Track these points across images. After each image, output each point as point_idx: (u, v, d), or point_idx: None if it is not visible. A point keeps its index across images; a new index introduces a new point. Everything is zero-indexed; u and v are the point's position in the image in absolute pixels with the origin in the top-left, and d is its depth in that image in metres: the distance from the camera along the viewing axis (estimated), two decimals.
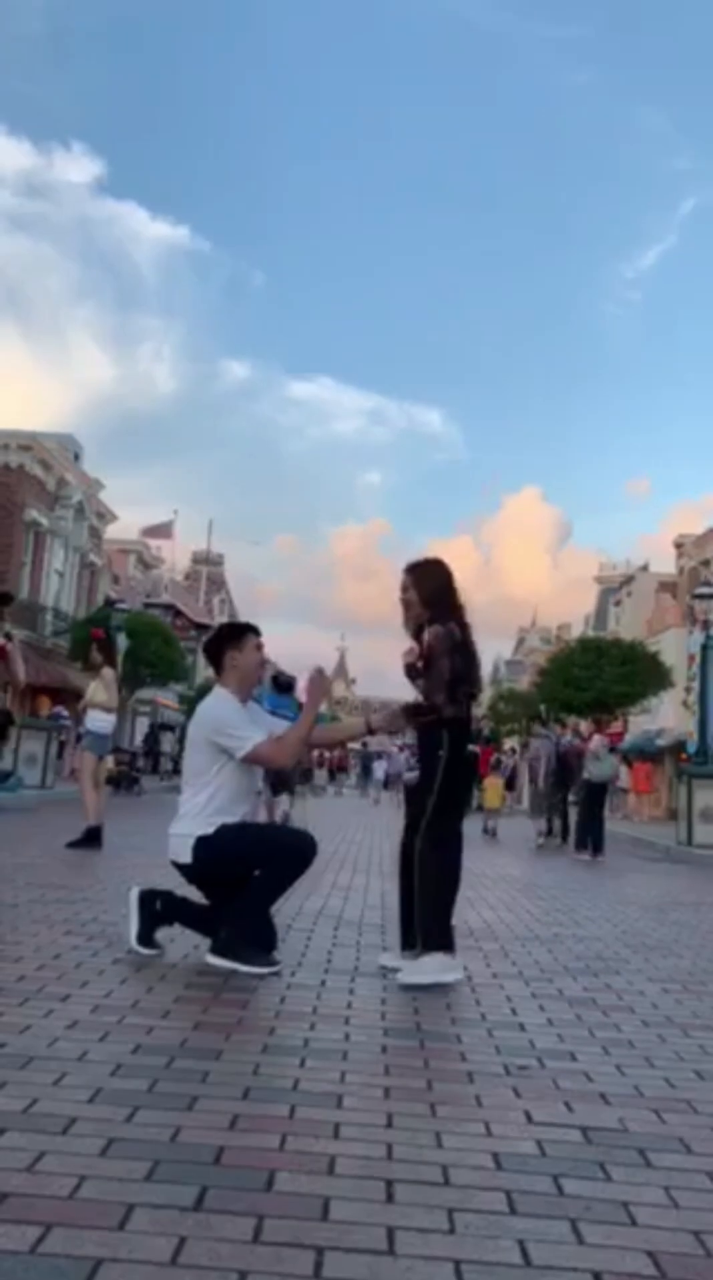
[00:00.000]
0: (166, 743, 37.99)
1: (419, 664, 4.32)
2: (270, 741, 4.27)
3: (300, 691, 7.50)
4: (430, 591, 4.44)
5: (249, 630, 4.57)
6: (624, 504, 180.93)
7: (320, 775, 36.37)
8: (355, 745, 44.25)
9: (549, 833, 15.44)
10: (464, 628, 4.43)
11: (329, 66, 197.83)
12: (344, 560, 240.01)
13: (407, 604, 4.49)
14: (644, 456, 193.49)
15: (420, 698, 4.36)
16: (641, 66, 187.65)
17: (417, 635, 4.39)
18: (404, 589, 4.49)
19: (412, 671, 4.38)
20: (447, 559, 4.62)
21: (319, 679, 4.65)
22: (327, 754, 37.92)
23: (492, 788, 17.48)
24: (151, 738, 37.30)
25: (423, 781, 4.30)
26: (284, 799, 12.12)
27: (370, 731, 4.79)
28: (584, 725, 24.88)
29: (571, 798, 15.77)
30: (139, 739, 36.00)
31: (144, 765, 34.53)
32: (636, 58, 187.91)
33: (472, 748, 5.57)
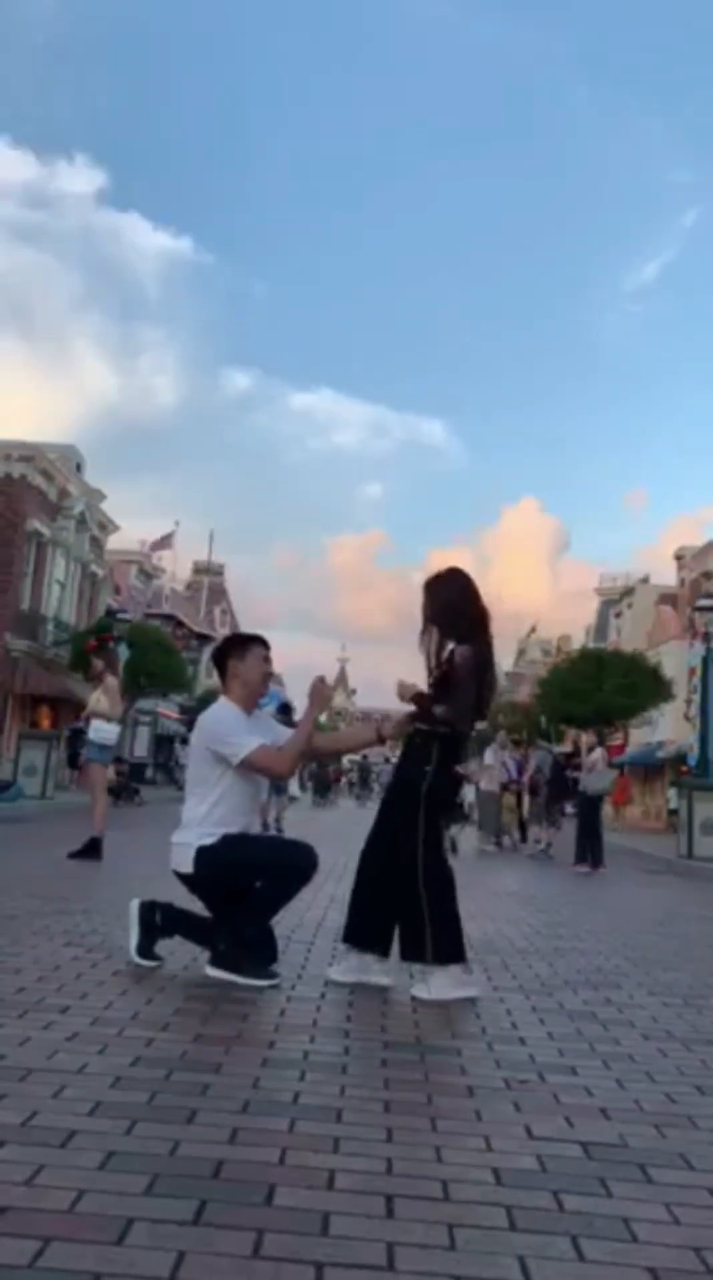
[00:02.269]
0: (181, 754, 37.74)
1: (432, 684, 4.26)
2: (269, 749, 4.27)
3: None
4: (441, 605, 4.36)
5: (255, 641, 4.56)
6: (622, 516, 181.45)
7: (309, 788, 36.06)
8: (355, 756, 44.18)
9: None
10: (487, 645, 4.37)
11: (330, 80, 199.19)
12: (343, 571, 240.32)
13: (424, 618, 4.42)
14: (642, 469, 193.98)
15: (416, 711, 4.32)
16: (641, 80, 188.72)
17: (439, 653, 4.31)
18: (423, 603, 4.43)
19: (419, 696, 4.29)
20: (464, 567, 4.50)
21: (320, 687, 4.64)
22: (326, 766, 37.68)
23: None
24: (163, 750, 37.01)
25: (408, 791, 4.25)
26: (278, 800, 12.12)
27: (382, 740, 4.76)
28: (585, 737, 24.85)
29: (569, 809, 15.87)
30: (140, 750, 35.80)
31: (157, 777, 34.38)
32: (636, 71, 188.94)
33: (459, 768, 5.41)
